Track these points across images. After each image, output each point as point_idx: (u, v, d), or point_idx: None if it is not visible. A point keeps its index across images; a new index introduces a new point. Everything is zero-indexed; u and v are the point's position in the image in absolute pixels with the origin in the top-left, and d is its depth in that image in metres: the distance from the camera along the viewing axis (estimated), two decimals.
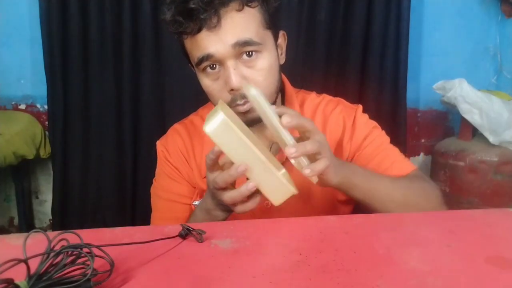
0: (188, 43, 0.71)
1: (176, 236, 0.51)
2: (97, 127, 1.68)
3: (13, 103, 1.78)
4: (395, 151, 0.82)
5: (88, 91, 1.66)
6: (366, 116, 0.84)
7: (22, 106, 1.78)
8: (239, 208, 0.60)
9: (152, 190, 0.87)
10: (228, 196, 0.59)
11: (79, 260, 0.38)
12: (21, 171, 1.78)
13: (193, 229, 0.51)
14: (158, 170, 0.87)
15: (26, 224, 1.82)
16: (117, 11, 1.61)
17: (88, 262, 0.37)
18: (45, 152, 1.72)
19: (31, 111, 1.78)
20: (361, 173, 0.69)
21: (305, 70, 1.69)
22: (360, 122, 0.82)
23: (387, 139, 0.83)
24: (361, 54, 1.74)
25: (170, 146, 0.85)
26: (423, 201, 0.74)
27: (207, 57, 0.68)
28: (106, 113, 1.67)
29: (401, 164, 0.81)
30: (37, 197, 1.88)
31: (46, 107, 1.70)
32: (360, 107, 0.85)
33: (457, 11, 1.91)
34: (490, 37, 1.95)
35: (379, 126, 0.84)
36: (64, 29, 1.60)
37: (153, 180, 0.88)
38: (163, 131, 0.90)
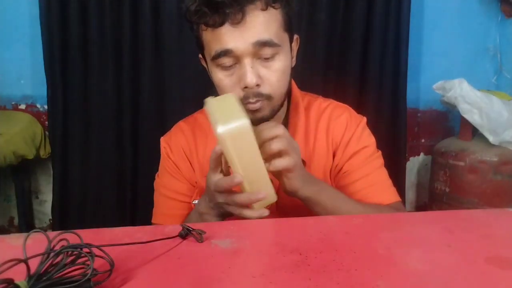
0: (208, 35, 0.70)
1: (176, 236, 0.51)
2: (97, 127, 1.68)
3: (13, 103, 1.78)
4: (382, 177, 0.81)
5: (88, 91, 1.66)
6: (367, 131, 0.84)
7: (22, 106, 1.78)
8: (249, 213, 0.61)
9: (154, 184, 0.89)
10: (214, 182, 0.61)
11: (79, 260, 0.38)
12: (21, 171, 1.78)
13: (193, 229, 0.51)
14: (160, 166, 0.88)
15: (26, 224, 1.82)
16: (117, 11, 1.61)
17: (88, 262, 0.37)
18: (45, 152, 1.72)
19: (31, 111, 1.78)
20: (329, 193, 0.69)
21: (305, 70, 1.69)
22: (357, 136, 0.81)
23: (379, 162, 0.82)
24: (361, 54, 1.74)
25: (173, 143, 0.85)
26: None
27: (226, 52, 0.68)
28: (106, 113, 1.67)
29: (383, 193, 0.80)
30: (37, 197, 1.88)
31: (46, 107, 1.70)
32: (364, 119, 0.85)
33: (457, 11, 1.91)
34: (490, 37, 1.95)
35: (374, 145, 0.83)
36: (64, 29, 1.60)
37: (156, 176, 0.89)
38: (163, 131, 0.90)
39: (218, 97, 0.61)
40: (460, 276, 0.43)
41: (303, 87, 0.89)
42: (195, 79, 1.60)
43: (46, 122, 1.72)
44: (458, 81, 1.59)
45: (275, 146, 0.59)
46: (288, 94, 0.83)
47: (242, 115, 0.53)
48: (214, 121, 0.54)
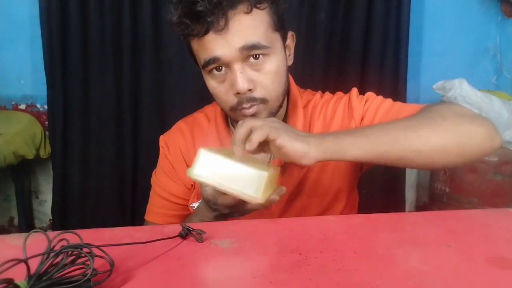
0: (195, 44, 0.70)
1: (176, 236, 0.51)
2: (97, 127, 1.68)
3: (13, 103, 1.78)
4: (397, 103, 0.77)
5: (88, 91, 1.66)
6: (360, 95, 0.82)
7: (22, 106, 1.78)
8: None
9: (151, 180, 0.88)
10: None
11: (79, 260, 0.38)
12: (21, 171, 1.78)
13: (193, 229, 0.51)
14: (158, 164, 0.88)
15: (26, 224, 1.82)
16: (117, 11, 1.61)
17: (88, 262, 0.37)
18: (45, 152, 1.71)
19: (31, 111, 1.77)
20: (345, 132, 0.62)
21: (305, 70, 1.69)
22: (356, 100, 0.79)
23: (387, 99, 0.78)
24: (361, 54, 1.74)
25: (171, 143, 0.85)
26: (443, 120, 0.61)
27: (214, 60, 0.67)
28: (106, 113, 1.67)
29: (407, 108, 0.72)
30: (37, 197, 1.88)
31: (46, 107, 1.70)
32: (355, 89, 0.83)
33: (457, 11, 1.91)
34: (490, 37, 1.95)
35: (374, 94, 0.81)
36: (64, 29, 1.60)
37: (153, 172, 0.88)
38: (163, 131, 0.90)
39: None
40: (460, 276, 0.43)
41: (303, 87, 0.88)
42: (195, 79, 1.59)
43: (46, 122, 1.72)
44: (458, 81, 1.59)
45: (237, 143, 0.55)
46: (287, 93, 0.81)
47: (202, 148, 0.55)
48: None
